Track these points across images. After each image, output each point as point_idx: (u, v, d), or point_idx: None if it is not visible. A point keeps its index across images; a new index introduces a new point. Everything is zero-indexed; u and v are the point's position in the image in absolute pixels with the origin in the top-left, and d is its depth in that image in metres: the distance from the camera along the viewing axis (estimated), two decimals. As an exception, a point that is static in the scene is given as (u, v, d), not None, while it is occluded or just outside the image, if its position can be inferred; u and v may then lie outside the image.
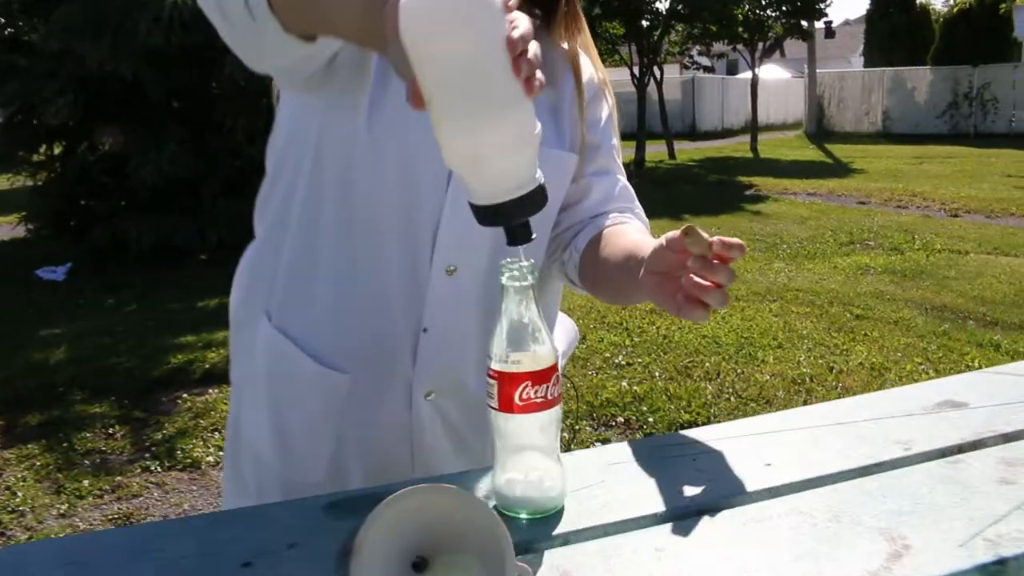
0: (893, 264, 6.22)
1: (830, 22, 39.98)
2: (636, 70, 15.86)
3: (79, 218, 7.84)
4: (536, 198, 0.67)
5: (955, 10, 22.88)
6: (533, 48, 0.61)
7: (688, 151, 18.60)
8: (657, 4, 15.02)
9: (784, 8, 17.41)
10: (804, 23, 18.32)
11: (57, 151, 8.34)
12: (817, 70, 22.52)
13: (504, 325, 0.70)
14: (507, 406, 0.70)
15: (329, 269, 0.98)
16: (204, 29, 3.55)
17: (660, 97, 16.84)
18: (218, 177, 7.14)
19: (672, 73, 21.05)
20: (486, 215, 0.67)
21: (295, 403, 1.00)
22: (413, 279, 0.97)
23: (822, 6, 17.91)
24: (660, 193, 10.12)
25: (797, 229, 7.96)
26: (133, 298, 6.00)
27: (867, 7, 25.84)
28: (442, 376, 0.99)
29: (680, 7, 14.84)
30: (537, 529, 0.71)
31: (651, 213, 1.07)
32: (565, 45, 1.03)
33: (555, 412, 0.72)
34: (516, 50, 0.60)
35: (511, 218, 0.67)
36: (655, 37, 15.31)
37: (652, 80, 16.20)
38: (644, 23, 14.97)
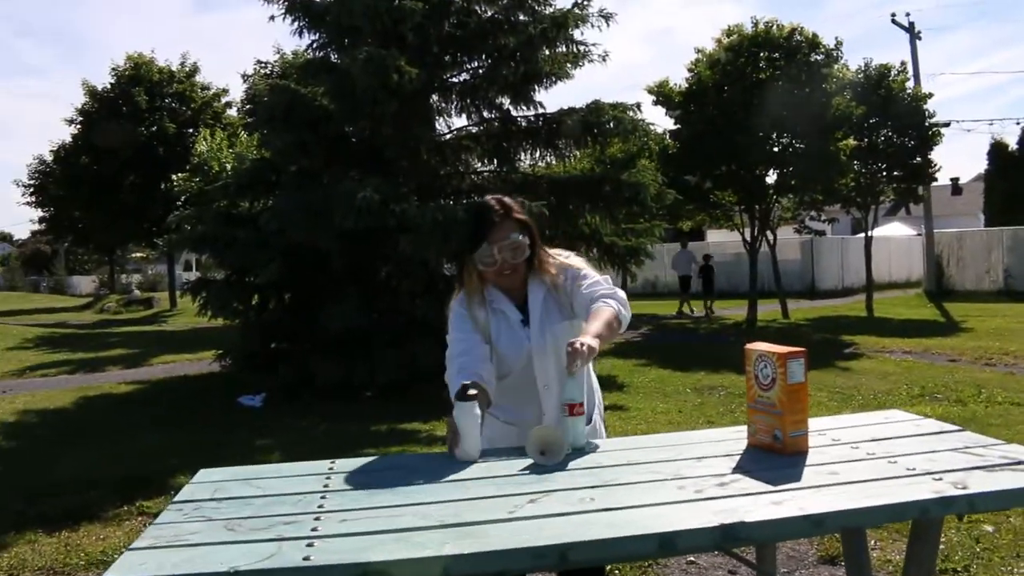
0: (949, 414, 7.13)
1: (956, 179, 40.38)
2: (748, 233, 17.15)
3: (270, 357, 9.73)
4: None
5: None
6: None
7: (804, 310, 19.54)
8: (767, 177, 16.37)
9: (895, 173, 18.52)
10: (915, 186, 19.25)
11: (254, 302, 10.36)
12: (937, 228, 23.16)
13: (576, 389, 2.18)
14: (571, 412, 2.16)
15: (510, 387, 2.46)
16: (382, 217, 6.13)
17: (773, 259, 18.06)
18: (385, 329, 8.88)
19: (790, 234, 22.26)
20: None
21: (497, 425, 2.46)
22: (533, 393, 2.43)
23: (932, 170, 18.85)
24: (761, 347, 11.20)
25: (877, 383, 8.96)
26: (320, 422, 7.69)
27: (986, 167, 26.55)
28: (551, 404, 2.42)
29: (790, 180, 16.12)
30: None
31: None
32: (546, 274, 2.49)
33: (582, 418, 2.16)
34: None
35: None
36: (766, 205, 16.63)
37: (765, 243, 17.49)
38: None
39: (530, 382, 2.44)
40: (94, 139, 25.58)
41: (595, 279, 2.46)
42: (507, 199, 2.50)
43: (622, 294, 2.45)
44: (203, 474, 2.15)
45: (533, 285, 2.48)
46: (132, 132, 25.08)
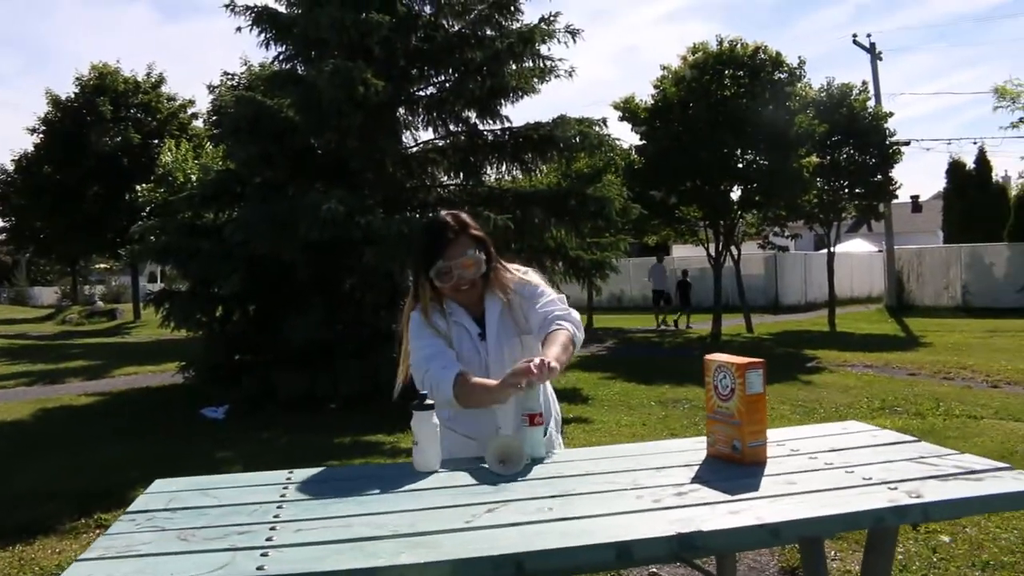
0: (908, 426, 7.23)
1: (916, 197, 41.18)
2: (712, 248, 17.32)
3: (234, 369, 9.63)
4: None
5: (1026, 188, 24.02)
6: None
7: (768, 324, 19.75)
8: (731, 193, 16.55)
9: (857, 190, 18.82)
10: (877, 203, 19.58)
11: (218, 313, 10.26)
12: (898, 245, 23.59)
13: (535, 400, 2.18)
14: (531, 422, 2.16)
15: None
16: (347, 228, 6.11)
17: (737, 274, 18.26)
18: (349, 341, 8.84)
19: (755, 249, 22.53)
20: None
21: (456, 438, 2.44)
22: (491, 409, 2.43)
23: (893, 188, 19.19)
24: (725, 361, 11.31)
25: (838, 396, 9.06)
26: (283, 434, 7.61)
27: (944, 185, 27.09)
28: (505, 420, 2.42)
29: (755, 196, 16.31)
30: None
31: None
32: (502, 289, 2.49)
33: (541, 428, 2.16)
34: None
35: None
36: (731, 220, 16.81)
37: (730, 258, 17.66)
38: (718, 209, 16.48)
39: None
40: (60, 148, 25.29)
41: (551, 297, 2.48)
42: (463, 215, 2.49)
43: (576, 315, 2.47)
44: (158, 484, 2.12)
45: (490, 300, 2.48)
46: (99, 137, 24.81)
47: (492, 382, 2.24)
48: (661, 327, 20.25)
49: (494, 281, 2.49)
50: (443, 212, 2.52)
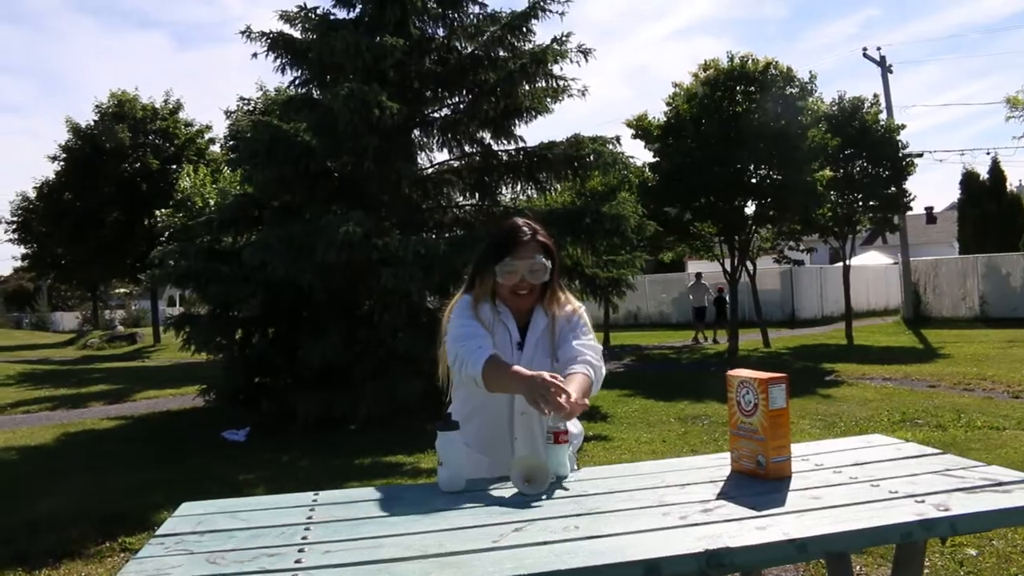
0: (930, 439, 7.18)
1: (931, 208, 40.96)
2: (728, 263, 17.28)
3: (254, 391, 9.67)
4: None
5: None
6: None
7: (785, 339, 19.66)
8: (745, 209, 16.52)
9: (871, 203, 18.77)
10: (891, 216, 19.50)
11: (237, 337, 10.31)
12: (913, 257, 23.47)
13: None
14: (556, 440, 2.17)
15: (485, 412, 2.47)
16: (364, 250, 6.18)
17: (753, 289, 18.20)
18: (367, 363, 8.86)
19: (770, 264, 22.46)
20: None
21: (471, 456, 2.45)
22: (508, 418, 2.44)
23: (907, 200, 19.13)
24: (744, 376, 11.27)
25: (858, 410, 9.01)
26: (303, 456, 7.63)
27: (958, 196, 26.95)
28: (523, 431, 2.44)
29: (769, 211, 16.28)
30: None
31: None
32: (553, 308, 2.52)
33: (566, 446, 2.17)
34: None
35: None
36: (746, 235, 16.78)
37: (745, 273, 17.62)
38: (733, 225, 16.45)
39: (505, 406, 2.46)
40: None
41: (590, 341, 2.51)
42: (535, 223, 2.57)
43: (603, 370, 2.49)
44: (185, 507, 2.14)
45: (538, 314, 2.52)
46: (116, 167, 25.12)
47: (526, 371, 2.23)
48: (699, 342, 20.36)
49: (550, 297, 2.53)
50: (517, 218, 2.61)
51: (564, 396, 2.12)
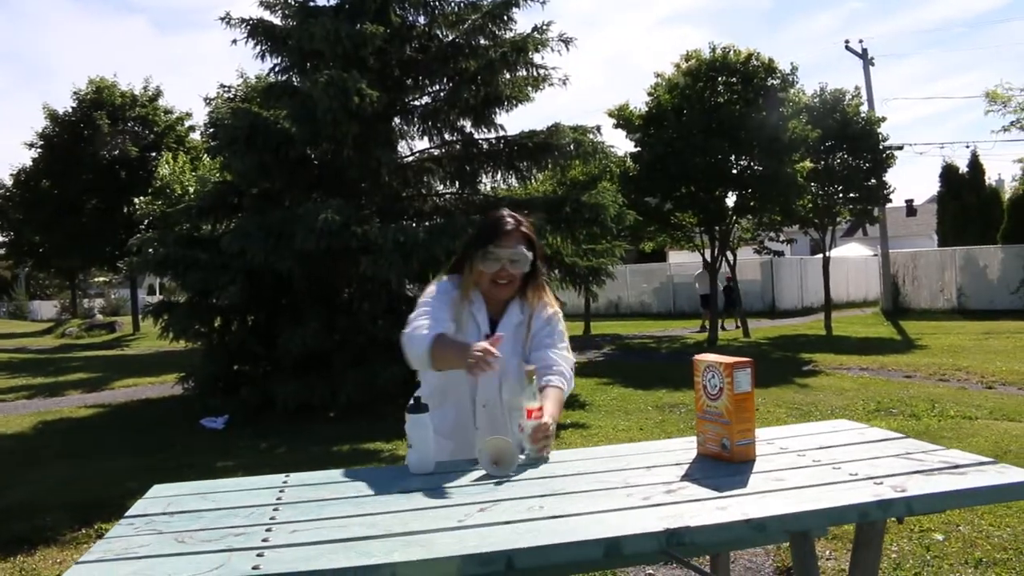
0: (903, 427, 7.27)
1: (911, 201, 41.29)
2: (708, 254, 17.35)
3: (233, 379, 9.64)
4: None
5: (1020, 191, 24.07)
6: None
7: (765, 329, 19.80)
8: (726, 199, 16.60)
9: (852, 195, 18.89)
10: (871, 208, 19.63)
11: (216, 324, 10.27)
12: (893, 249, 23.66)
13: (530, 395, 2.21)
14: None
15: (449, 401, 2.49)
16: (343, 238, 6.18)
17: (734, 279, 18.30)
18: (346, 350, 8.87)
19: (751, 255, 22.57)
20: None
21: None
22: (471, 408, 2.47)
23: (887, 192, 19.26)
24: (722, 366, 11.36)
25: (834, 399, 9.10)
26: (282, 443, 7.63)
27: (938, 189, 27.16)
28: (485, 422, 2.47)
29: (750, 201, 16.35)
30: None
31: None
32: (533, 304, 2.55)
33: (536, 421, 2.19)
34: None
35: None
36: (726, 226, 16.86)
37: (726, 263, 17.70)
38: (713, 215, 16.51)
39: (468, 396, 2.50)
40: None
41: (566, 352, 2.54)
42: (519, 216, 2.60)
43: (570, 373, 2.52)
44: (156, 489, 2.15)
45: (513, 308, 2.55)
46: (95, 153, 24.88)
47: (462, 341, 2.31)
48: (706, 329, 20.48)
49: (530, 293, 2.57)
50: (503, 209, 2.66)
51: (494, 358, 2.16)
